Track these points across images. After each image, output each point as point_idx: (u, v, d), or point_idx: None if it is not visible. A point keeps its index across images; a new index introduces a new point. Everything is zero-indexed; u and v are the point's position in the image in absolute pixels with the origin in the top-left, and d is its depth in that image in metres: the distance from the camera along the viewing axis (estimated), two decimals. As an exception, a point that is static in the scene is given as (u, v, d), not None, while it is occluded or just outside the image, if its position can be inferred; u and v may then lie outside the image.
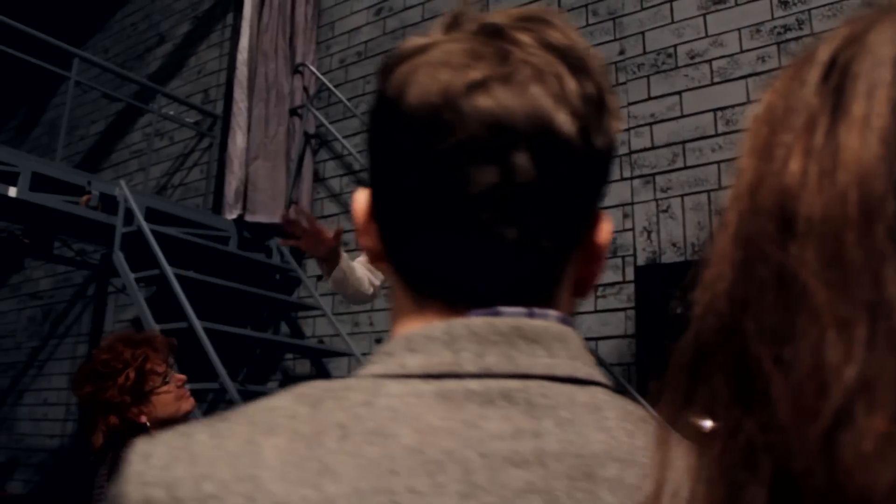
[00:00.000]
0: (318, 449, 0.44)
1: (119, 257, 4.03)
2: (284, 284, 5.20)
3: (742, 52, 3.78)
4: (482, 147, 0.49)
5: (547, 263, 0.53)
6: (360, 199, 0.58)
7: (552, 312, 0.53)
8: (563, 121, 0.50)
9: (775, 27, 3.71)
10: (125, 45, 7.25)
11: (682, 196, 3.79)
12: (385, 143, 0.54)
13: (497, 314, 0.51)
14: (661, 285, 3.55)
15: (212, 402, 5.25)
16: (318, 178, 5.27)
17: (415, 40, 0.55)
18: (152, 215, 4.50)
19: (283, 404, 0.48)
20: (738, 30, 3.81)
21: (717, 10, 3.89)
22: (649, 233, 3.85)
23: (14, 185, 3.92)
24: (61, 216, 4.23)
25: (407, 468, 0.43)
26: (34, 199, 4.03)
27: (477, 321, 0.50)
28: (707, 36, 3.90)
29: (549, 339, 0.51)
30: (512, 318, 0.51)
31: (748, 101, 3.68)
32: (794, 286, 0.30)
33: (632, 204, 3.92)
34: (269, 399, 0.49)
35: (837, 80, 0.32)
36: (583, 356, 0.52)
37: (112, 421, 2.13)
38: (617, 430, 0.49)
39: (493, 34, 0.52)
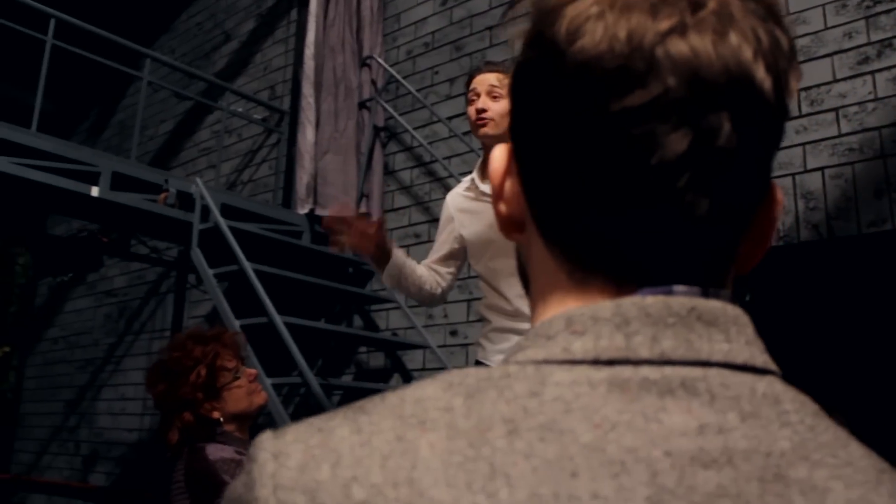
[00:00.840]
0: (485, 448, 0.38)
1: (197, 253, 4.08)
2: (357, 277, 5.21)
3: (827, 28, 3.64)
4: (677, 105, 0.42)
5: (730, 237, 0.47)
6: (500, 158, 0.52)
7: (725, 292, 0.47)
8: (763, 76, 0.44)
9: (863, 0, 3.56)
10: (191, 45, 7.35)
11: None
12: (546, 99, 0.47)
13: (671, 293, 0.45)
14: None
15: (286, 396, 5.30)
16: (388, 171, 5.27)
17: None
18: (227, 211, 4.55)
19: (432, 394, 0.42)
20: (822, 6, 3.67)
21: (798, -14, 3.76)
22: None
23: (96, 184, 3.99)
24: (140, 214, 4.30)
25: (588, 469, 0.38)
26: (115, 199, 4.10)
27: (650, 300, 0.44)
28: (789, 13, 3.77)
29: (726, 322, 0.45)
30: (687, 297, 0.45)
31: (834, 80, 3.55)
32: None
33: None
34: (411, 388, 0.43)
35: None
36: (757, 341, 0.46)
37: (186, 417, 2.17)
38: (799, 424, 0.43)
39: None
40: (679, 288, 0.45)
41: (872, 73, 3.47)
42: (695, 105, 0.43)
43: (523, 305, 2.45)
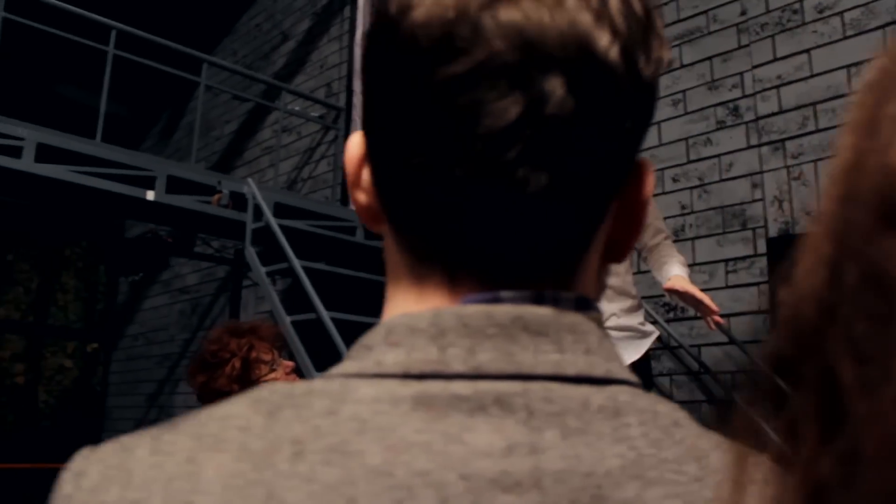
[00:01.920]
0: (267, 471, 0.37)
1: (250, 252, 4.21)
2: (410, 271, 5.27)
3: (877, -1, 3.51)
4: (505, 70, 0.39)
5: (577, 221, 0.44)
6: (355, 143, 0.48)
7: (567, 295, 0.43)
8: (605, 42, 0.40)
9: (915, -31, 3.42)
10: (252, 46, 7.53)
11: (815, 161, 3.57)
12: (383, 72, 0.44)
13: (497, 300, 0.42)
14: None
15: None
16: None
17: None
18: (281, 210, 4.67)
19: (237, 412, 0.40)
20: (872, -25, 3.54)
21: (847, -42, 3.62)
22: (781, 202, 3.65)
23: (152, 188, 4.16)
24: (195, 216, 4.46)
25: (368, 495, 0.36)
26: (170, 201, 4.27)
27: (470, 309, 0.41)
28: (838, -14, 3.64)
29: (558, 331, 0.41)
30: (513, 305, 0.42)
31: (886, 54, 3.41)
32: (888, 291, 0.25)
33: (761, 173, 3.73)
34: (227, 404, 0.42)
35: None
36: (603, 349, 0.43)
37: None
38: (640, 439, 0.40)
39: None
40: (506, 294, 0.42)
41: (926, 45, 3.32)
42: (524, 70, 0.39)
43: None
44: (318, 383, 0.41)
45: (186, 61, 5.46)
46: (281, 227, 4.16)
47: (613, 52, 0.40)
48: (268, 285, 4.01)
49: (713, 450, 0.42)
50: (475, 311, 0.41)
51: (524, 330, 0.41)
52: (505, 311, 0.41)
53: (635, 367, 2.45)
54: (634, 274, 2.78)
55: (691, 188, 3.96)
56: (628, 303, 2.56)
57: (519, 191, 0.40)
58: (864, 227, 0.27)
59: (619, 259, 0.50)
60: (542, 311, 0.42)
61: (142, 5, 7.17)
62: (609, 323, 2.48)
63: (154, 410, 7.47)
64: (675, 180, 4.04)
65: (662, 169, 4.08)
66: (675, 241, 2.86)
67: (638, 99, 0.43)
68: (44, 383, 8.75)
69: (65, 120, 5.37)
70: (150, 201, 4.16)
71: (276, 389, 0.41)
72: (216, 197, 4.46)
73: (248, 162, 7.11)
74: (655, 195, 3.82)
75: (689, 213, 3.94)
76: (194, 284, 7.38)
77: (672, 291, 2.46)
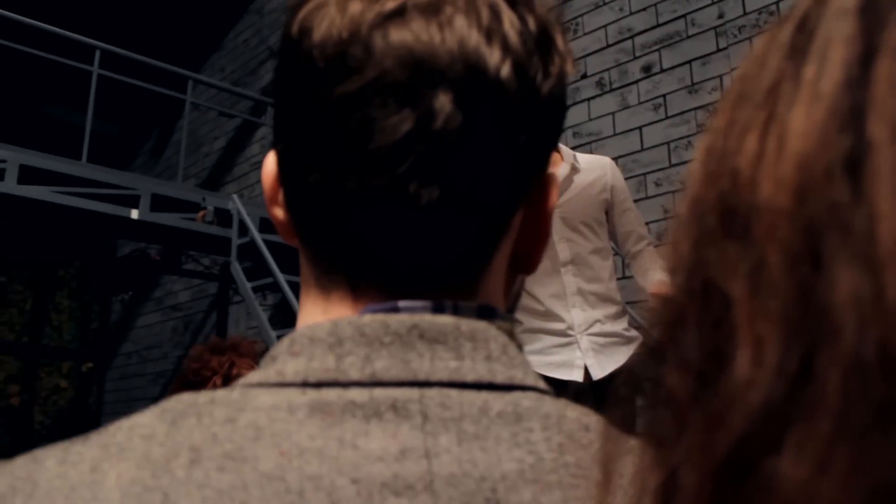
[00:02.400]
0: (164, 477, 0.38)
1: (236, 268, 4.22)
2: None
3: (852, 0, 3.52)
4: (394, 87, 0.41)
5: (475, 233, 0.45)
6: (269, 161, 0.49)
7: (466, 304, 0.44)
8: (496, 59, 0.41)
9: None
10: (240, 62, 7.55)
11: (794, 161, 3.58)
12: (287, 91, 0.46)
13: (394, 310, 0.43)
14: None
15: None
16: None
17: None
18: (267, 225, 4.67)
19: (144, 421, 0.41)
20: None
21: (821, -41, 3.64)
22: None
23: (136, 207, 4.17)
24: (181, 233, 4.47)
25: (259, 499, 0.37)
26: (154, 219, 4.28)
27: (367, 319, 0.42)
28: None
29: (456, 338, 0.42)
30: (410, 314, 0.42)
31: None
32: (716, 301, 0.25)
33: (741, 174, 3.73)
34: (137, 414, 0.42)
35: (803, 38, 0.27)
36: (506, 356, 0.43)
37: None
38: (542, 444, 0.41)
39: None
40: (404, 304, 0.43)
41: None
42: (413, 87, 0.41)
43: (555, 306, 2.47)
44: (221, 393, 0.42)
45: (173, 79, 5.48)
46: (267, 242, 4.17)
47: (505, 70, 0.42)
48: (253, 300, 4.01)
49: (626, 454, 0.43)
50: (372, 320, 0.42)
51: (421, 338, 0.42)
52: (401, 319, 0.42)
53: (621, 371, 2.44)
54: (618, 280, 2.78)
55: (673, 192, 3.97)
56: (612, 309, 2.56)
57: (412, 204, 0.42)
58: (708, 232, 0.27)
59: (528, 270, 0.52)
60: (441, 320, 0.42)
61: (130, 24, 7.20)
62: (593, 329, 2.47)
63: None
64: (657, 184, 4.05)
65: (644, 174, 4.09)
66: (658, 246, 2.86)
67: (534, 114, 0.44)
68: (39, 404, 8.73)
69: (54, 141, 5.39)
70: (134, 220, 4.16)
71: (183, 399, 0.42)
72: (201, 214, 4.47)
73: (238, 178, 7.11)
74: (638, 200, 3.83)
75: (672, 217, 3.94)
76: (186, 301, 7.38)
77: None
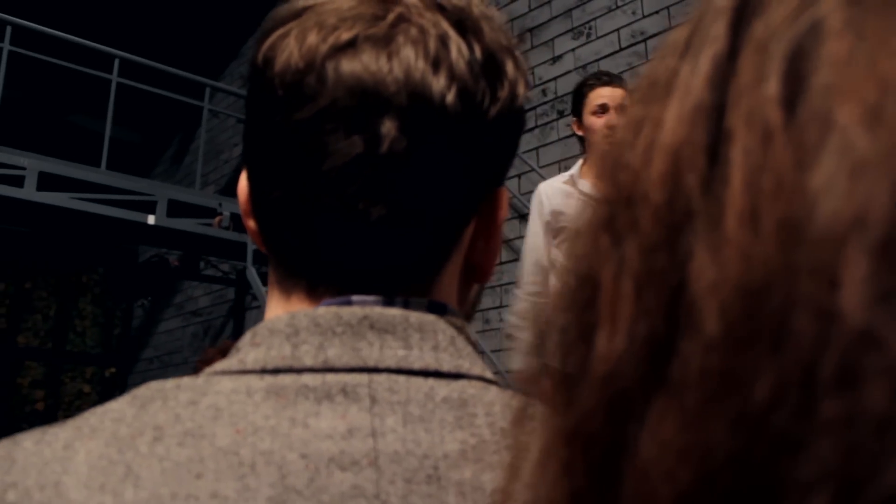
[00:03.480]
0: (129, 452, 0.41)
1: (251, 272, 4.25)
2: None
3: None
4: (345, 114, 0.45)
5: (423, 245, 0.49)
6: (242, 178, 0.54)
7: (418, 300, 0.48)
8: (441, 86, 0.45)
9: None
10: (258, 70, 7.60)
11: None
12: (253, 116, 0.50)
13: (347, 303, 0.47)
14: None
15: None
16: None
17: (295, 3, 0.50)
18: (283, 230, 4.71)
19: (115, 406, 0.45)
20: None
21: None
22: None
23: (153, 213, 4.23)
24: (198, 238, 4.52)
25: (214, 471, 0.40)
26: (171, 225, 4.33)
27: (321, 311, 0.46)
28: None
29: (405, 329, 0.46)
30: (361, 307, 0.46)
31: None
32: (591, 285, 0.27)
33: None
34: (111, 401, 0.46)
35: (691, 37, 0.28)
36: (453, 347, 0.47)
37: None
38: (484, 428, 0.44)
39: None
40: (357, 298, 0.47)
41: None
42: (361, 114, 0.45)
43: None
44: (187, 379, 0.45)
45: (192, 87, 5.55)
46: (281, 246, 4.19)
47: (450, 96, 0.46)
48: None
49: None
50: (325, 311, 0.46)
51: (371, 328, 0.45)
52: (353, 311, 0.46)
53: None
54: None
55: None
56: None
57: (362, 220, 0.46)
58: (594, 226, 0.28)
59: (481, 280, 0.56)
60: (390, 312, 0.46)
61: (151, 33, 7.29)
62: None
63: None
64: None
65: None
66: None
67: (481, 136, 0.48)
68: (63, 409, 8.82)
69: (77, 149, 5.48)
70: (151, 225, 4.22)
71: (152, 386, 0.45)
72: (217, 219, 4.52)
73: (256, 184, 7.16)
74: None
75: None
76: (206, 307, 7.44)
77: None
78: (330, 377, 0.43)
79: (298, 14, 0.49)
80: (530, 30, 4.92)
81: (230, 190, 7.15)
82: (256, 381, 0.44)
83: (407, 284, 0.49)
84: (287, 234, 0.49)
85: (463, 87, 0.46)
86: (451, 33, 0.47)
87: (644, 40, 4.31)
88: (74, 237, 6.05)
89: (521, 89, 0.50)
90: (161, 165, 9.02)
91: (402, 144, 0.45)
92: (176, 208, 4.45)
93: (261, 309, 6.39)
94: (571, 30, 4.67)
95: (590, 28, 4.58)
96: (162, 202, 4.33)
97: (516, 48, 0.52)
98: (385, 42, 0.46)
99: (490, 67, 0.48)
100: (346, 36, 0.46)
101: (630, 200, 0.27)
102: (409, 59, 0.45)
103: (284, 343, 0.45)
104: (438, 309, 0.48)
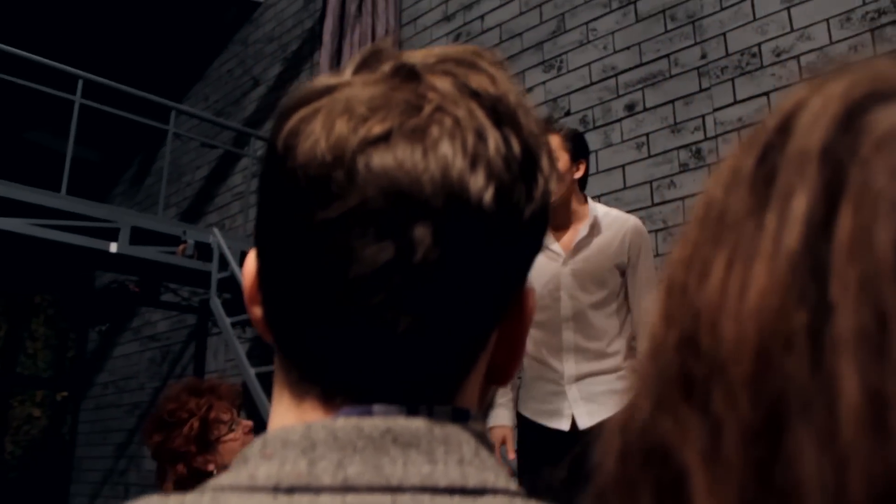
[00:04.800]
0: None
1: (216, 302, 4.17)
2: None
3: (832, 43, 3.57)
4: (376, 217, 0.41)
5: (450, 356, 0.45)
6: (250, 260, 0.50)
7: (442, 408, 0.44)
8: (479, 186, 0.42)
9: (867, 13, 3.48)
10: (223, 92, 7.53)
11: (776, 202, 3.59)
12: (270, 204, 0.46)
13: (368, 413, 0.43)
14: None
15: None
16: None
17: (320, 80, 0.46)
18: (248, 258, 4.64)
19: None
20: (827, 20, 3.60)
21: (801, 2, 3.69)
22: (744, 243, 3.67)
23: (115, 240, 4.13)
24: (161, 266, 4.42)
25: None
26: (133, 253, 4.23)
27: (341, 423, 0.42)
28: (793, 30, 3.70)
29: (429, 442, 0.42)
30: (383, 418, 0.42)
31: (842, 96, 3.47)
32: (673, 464, 0.24)
33: (724, 214, 3.74)
34: None
35: (765, 173, 0.26)
36: (478, 459, 0.43)
37: (180, 470, 2.19)
38: None
39: (409, 77, 0.44)
40: (378, 408, 0.43)
41: (881, 88, 3.38)
42: (394, 218, 0.41)
43: (551, 357, 2.55)
44: (191, 497, 0.41)
45: (156, 108, 5.46)
46: (247, 275, 4.13)
47: (488, 196, 0.42)
48: (232, 336, 3.96)
49: None
50: (345, 424, 0.42)
51: (394, 442, 0.42)
52: (375, 423, 0.42)
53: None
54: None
55: (656, 231, 3.97)
56: (609, 364, 2.56)
57: (388, 330, 0.42)
58: (667, 391, 0.25)
59: (503, 382, 0.52)
60: (414, 423, 0.42)
61: (114, 53, 7.18)
62: (584, 381, 2.49)
63: (123, 461, 7.33)
64: (640, 223, 4.06)
65: (627, 212, 4.09)
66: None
67: (515, 237, 0.45)
68: (11, 433, 8.56)
69: (34, 167, 5.33)
70: (113, 253, 4.12)
71: (153, 501, 0.42)
72: (181, 247, 4.43)
73: (219, 208, 7.07)
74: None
75: (654, 256, 3.95)
76: (165, 332, 7.29)
77: None
78: (350, 498, 0.40)
79: (322, 94, 0.45)
80: (500, 63, 4.93)
81: (193, 213, 7.06)
82: (269, 501, 0.40)
83: (431, 392, 0.45)
84: (302, 339, 0.45)
85: (501, 187, 0.43)
86: (488, 125, 0.43)
87: (615, 75, 4.34)
88: (31, 262, 5.89)
89: (553, 184, 0.47)
90: (121, 185, 8.86)
91: (435, 254, 0.41)
92: (139, 235, 4.35)
93: (221, 336, 6.29)
94: (542, 63, 4.69)
95: (561, 62, 4.60)
96: (125, 229, 4.23)
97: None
98: (421, 135, 0.42)
99: (527, 164, 0.45)
100: (378, 129, 0.42)
101: (713, 365, 0.24)
102: (446, 156, 0.42)
103: (300, 458, 0.41)
104: (462, 416, 0.45)
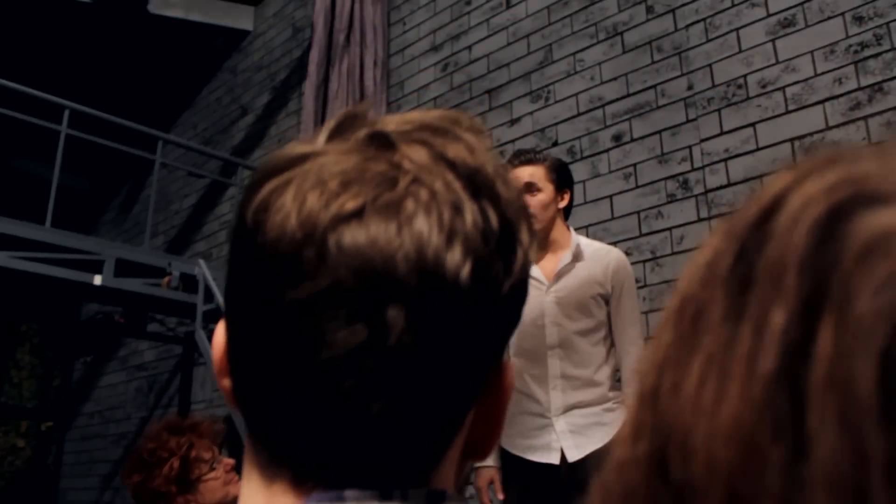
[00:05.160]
0: None
1: (201, 335, 4.14)
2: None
3: (817, 75, 3.59)
4: (348, 298, 0.39)
5: (423, 438, 0.43)
6: (220, 332, 0.48)
7: (416, 491, 0.42)
8: (455, 262, 0.40)
9: (851, 45, 3.51)
10: (212, 120, 7.53)
11: (764, 233, 3.59)
12: (239, 278, 0.44)
13: (340, 499, 0.41)
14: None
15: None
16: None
17: (292, 149, 0.44)
18: (235, 288, 4.61)
19: None
20: (811, 52, 3.62)
21: (786, 34, 3.72)
22: (732, 274, 3.66)
23: (100, 272, 4.09)
24: (145, 298, 4.39)
25: None
26: (118, 285, 4.20)
27: None
28: (778, 62, 3.72)
29: None
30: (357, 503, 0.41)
31: (827, 128, 3.48)
32: None
33: (711, 245, 3.74)
34: None
35: (744, 272, 0.24)
36: None
37: None
38: None
39: (384, 145, 0.42)
40: (350, 493, 0.41)
41: (865, 118, 3.40)
42: (366, 299, 0.39)
43: (536, 387, 2.51)
44: None
45: (144, 137, 5.45)
46: (233, 307, 4.10)
47: (464, 273, 0.40)
48: (218, 369, 3.93)
49: None
50: None
51: None
52: None
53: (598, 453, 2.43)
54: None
55: (644, 261, 3.97)
56: (596, 394, 2.53)
57: (360, 414, 0.40)
58: (638, 489, 0.24)
59: (480, 458, 0.49)
60: None
61: (103, 78, 7.18)
62: (571, 412, 2.46)
63: (109, 493, 7.24)
64: (627, 254, 4.03)
65: (615, 242, 4.09)
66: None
67: (495, 312, 0.43)
68: (-5, 465, 8.46)
69: (21, 195, 5.29)
70: (97, 286, 4.09)
71: None
72: (166, 279, 4.40)
73: (207, 236, 7.04)
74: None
75: (642, 287, 3.94)
76: (151, 361, 7.23)
77: None
78: None
79: (294, 164, 0.42)
80: (489, 91, 4.95)
81: (180, 241, 7.03)
82: None
83: (405, 475, 0.43)
84: (272, 419, 0.43)
85: (478, 262, 0.41)
86: (465, 197, 0.41)
87: (602, 106, 4.35)
88: (15, 294, 5.85)
89: (532, 255, 0.45)
90: (109, 213, 8.82)
91: (409, 338, 0.39)
92: (124, 267, 4.32)
93: (207, 366, 6.24)
94: (530, 93, 4.71)
95: (548, 92, 4.62)
96: (109, 261, 4.20)
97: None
98: (395, 209, 0.40)
99: (506, 237, 0.43)
100: (351, 204, 0.40)
101: (681, 496, 0.22)
102: (421, 232, 0.40)
103: None
104: (437, 498, 0.43)
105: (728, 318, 0.24)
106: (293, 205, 0.40)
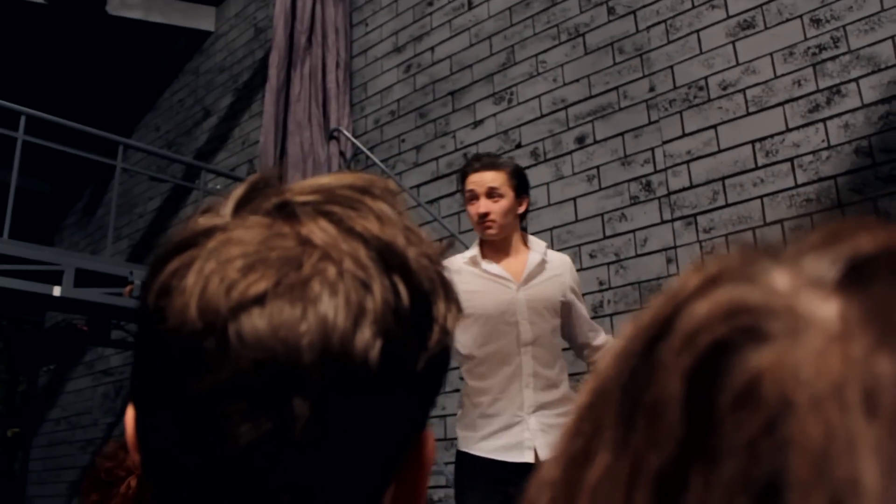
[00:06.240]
0: None
1: (165, 345, 4.09)
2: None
3: (777, 77, 3.62)
4: (250, 390, 0.37)
5: None
6: (130, 413, 0.46)
7: None
8: (364, 343, 0.38)
9: (809, 48, 3.54)
10: (175, 122, 7.45)
11: (726, 235, 3.62)
12: (144, 364, 0.42)
13: None
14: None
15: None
16: (361, 241, 5.27)
17: (197, 223, 0.42)
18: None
19: None
20: (771, 54, 3.65)
21: (746, 36, 3.74)
22: (695, 276, 3.68)
23: (59, 283, 4.03)
24: (107, 307, 4.33)
25: None
26: (78, 296, 4.13)
27: None
28: (738, 64, 3.75)
29: None
30: None
31: (787, 130, 3.52)
32: None
33: (675, 248, 3.77)
34: None
35: (635, 390, 0.24)
36: None
37: None
38: None
39: (290, 218, 0.41)
40: None
41: (824, 120, 3.43)
42: (270, 391, 0.37)
43: (508, 386, 2.51)
44: None
45: (105, 141, 5.37)
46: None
47: (374, 354, 0.38)
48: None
49: None
50: None
51: None
52: None
53: None
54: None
55: (608, 264, 3.98)
56: (558, 395, 2.56)
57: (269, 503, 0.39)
58: None
59: None
60: None
61: (62, 81, 7.06)
62: (542, 410, 2.48)
63: (76, 500, 7.15)
64: (591, 256, 4.06)
65: (579, 245, 4.10)
66: (593, 318, 2.86)
67: (410, 389, 0.41)
68: (-40, 474, 8.32)
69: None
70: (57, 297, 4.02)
71: None
72: (128, 288, 4.34)
73: (172, 239, 6.96)
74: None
75: (606, 289, 3.96)
76: (118, 366, 7.14)
77: None
78: None
79: (196, 241, 0.41)
80: (452, 93, 4.94)
81: (144, 245, 6.95)
82: None
83: None
84: None
85: (389, 341, 0.39)
86: (374, 273, 0.40)
87: (565, 107, 4.36)
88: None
89: (451, 322, 0.43)
90: (72, 217, 8.70)
91: (317, 426, 0.38)
92: (84, 276, 4.25)
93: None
94: (493, 95, 4.70)
95: (511, 94, 4.61)
96: (69, 272, 4.13)
97: (446, 266, 0.45)
98: (301, 290, 0.38)
99: (419, 312, 0.41)
100: (253, 290, 0.38)
101: None
102: (326, 315, 0.38)
103: None
104: None
105: (616, 446, 0.24)
106: (194, 289, 0.39)
